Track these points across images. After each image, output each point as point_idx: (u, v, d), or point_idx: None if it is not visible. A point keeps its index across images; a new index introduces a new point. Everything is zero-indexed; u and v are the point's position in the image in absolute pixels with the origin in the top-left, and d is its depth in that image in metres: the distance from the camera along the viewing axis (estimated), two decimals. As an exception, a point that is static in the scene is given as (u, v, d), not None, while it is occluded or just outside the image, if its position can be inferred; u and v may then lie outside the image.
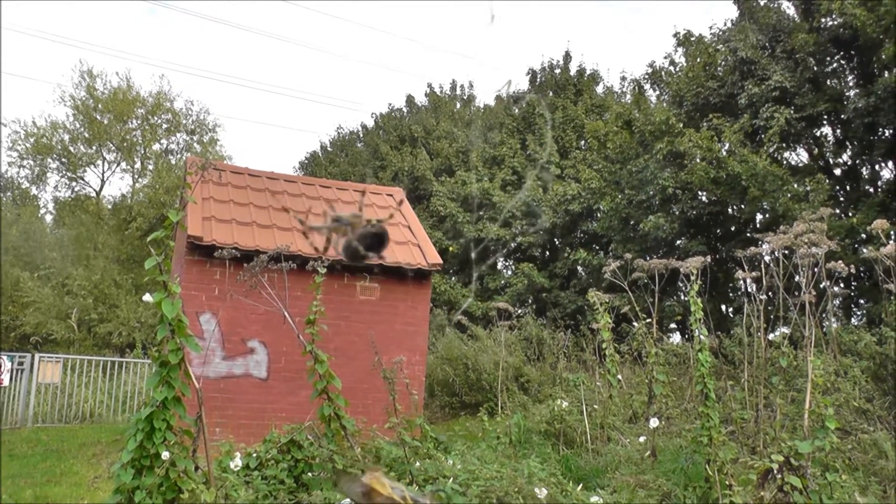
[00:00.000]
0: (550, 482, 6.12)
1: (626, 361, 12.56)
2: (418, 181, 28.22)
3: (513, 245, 24.18)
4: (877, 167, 16.53)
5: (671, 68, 20.57)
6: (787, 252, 9.04)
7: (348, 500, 5.57)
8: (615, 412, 9.74)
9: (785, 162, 17.34)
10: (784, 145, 17.01)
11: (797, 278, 8.91)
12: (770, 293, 10.02)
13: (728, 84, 17.49)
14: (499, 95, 31.88)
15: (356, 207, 10.57)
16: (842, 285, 13.76)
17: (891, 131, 15.43)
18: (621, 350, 11.69)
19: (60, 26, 68.86)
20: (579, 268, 21.97)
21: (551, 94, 28.07)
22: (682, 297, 17.11)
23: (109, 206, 32.54)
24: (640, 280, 10.88)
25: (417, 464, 6.67)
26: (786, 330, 9.03)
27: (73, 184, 32.23)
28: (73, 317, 25.78)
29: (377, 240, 2.22)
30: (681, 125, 16.95)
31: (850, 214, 15.47)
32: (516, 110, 28.79)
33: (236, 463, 6.53)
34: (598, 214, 21.44)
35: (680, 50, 20.29)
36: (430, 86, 35.13)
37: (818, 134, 17.47)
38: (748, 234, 15.83)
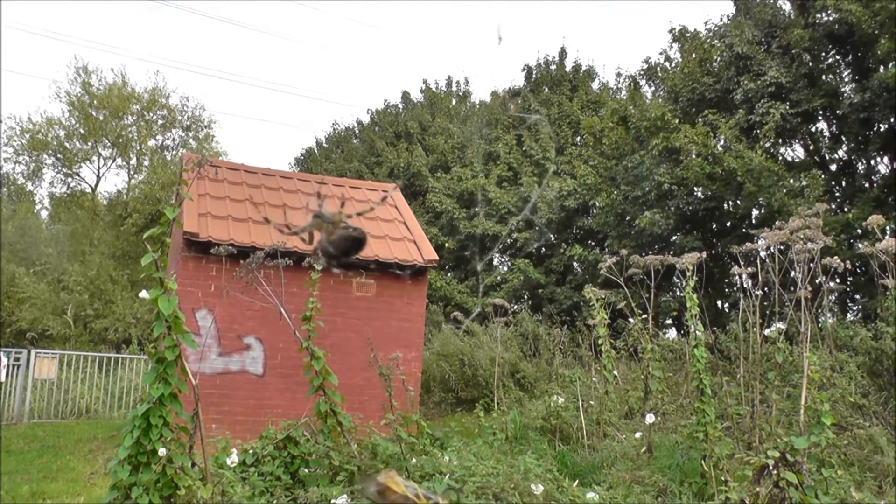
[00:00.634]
0: (546, 478, 6.13)
1: (622, 357, 12.58)
2: (414, 177, 28.20)
3: (509, 241, 24.21)
4: (872, 162, 16.55)
5: (666, 64, 20.55)
6: (782, 248, 9.05)
7: (345, 495, 5.58)
8: (611, 408, 9.76)
9: (780, 157, 17.34)
10: (780, 141, 17.00)
11: (793, 274, 8.92)
12: (766, 289, 10.04)
13: (723, 80, 17.49)
14: (495, 91, 31.85)
15: (350, 203, 10.55)
16: (837, 281, 13.78)
17: (886, 126, 15.45)
18: (617, 346, 11.70)
19: (56, 22, 68.68)
20: (575, 264, 21.98)
21: (547, 89, 28.07)
22: (678, 293, 17.13)
23: (105, 202, 32.52)
24: (636, 276, 10.89)
25: (414, 460, 6.67)
26: (781, 325, 9.02)
27: (69, 180, 32.21)
28: (69, 312, 25.75)
29: (355, 244, 2.25)
30: (676, 121, 16.95)
31: (846, 210, 15.48)
32: (512, 107, 28.77)
33: (233, 459, 6.53)
34: (594, 210, 21.45)
35: (675, 45, 20.28)
36: (425, 82, 35.01)
37: (814, 129, 17.48)
38: (744, 230, 15.84)
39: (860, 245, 12.47)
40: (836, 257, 8.80)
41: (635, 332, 10.55)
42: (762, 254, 9.87)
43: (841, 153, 17.35)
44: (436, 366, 16.20)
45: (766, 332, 9.68)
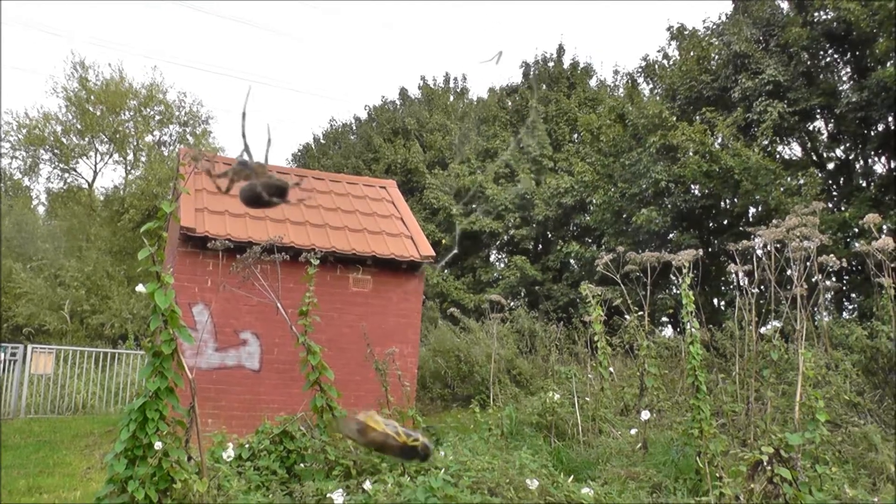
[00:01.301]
0: (542, 474, 6.14)
1: (618, 354, 12.59)
2: (411, 173, 28.21)
3: (506, 237, 24.24)
4: (870, 161, 16.60)
5: (664, 62, 20.59)
6: (779, 246, 9.07)
7: (340, 490, 5.59)
8: (607, 404, 9.77)
9: (778, 156, 17.39)
10: (777, 139, 17.04)
11: (789, 272, 8.94)
12: (762, 286, 10.07)
13: (721, 78, 17.52)
14: (491, 89, 31.84)
15: (347, 199, 10.55)
16: (833, 279, 13.82)
17: (884, 126, 15.49)
18: (613, 343, 11.71)
19: (53, 17, 68.50)
20: (572, 261, 22.01)
21: (544, 87, 28.08)
22: (674, 291, 17.17)
23: (102, 198, 32.50)
24: (633, 273, 10.91)
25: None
26: (777, 323, 9.05)
27: (66, 175, 32.19)
28: (65, 308, 25.73)
29: (279, 191, 2.34)
30: (674, 119, 16.98)
31: (843, 208, 15.53)
32: (509, 103, 28.79)
33: (229, 454, 6.54)
34: (591, 207, 21.48)
35: (673, 43, 20.32)
36: (423, 78, 35.00)
37: (811, 128, 17.53)
38: (740, 228, 15.88)
39: (856, 243, 12.49)
40: (832, 256, 8.82)
41: (631, 329, 10.56)
42: (758, 252, 9.88)
43: (838, 152, 17.40)
44: (432, 362, 16.21)
45: (762, 329, 9.71)
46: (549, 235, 24.78)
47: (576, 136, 25.70)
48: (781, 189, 15.14)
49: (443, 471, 5.74)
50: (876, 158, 16.50)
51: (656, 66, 20.83)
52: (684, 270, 7.77)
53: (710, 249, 16.90)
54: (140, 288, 5.18)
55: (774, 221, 9.19)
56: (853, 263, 14.72)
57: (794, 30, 15.84)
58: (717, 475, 6.15)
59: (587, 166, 20.58)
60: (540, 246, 25.38)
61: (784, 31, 16.32)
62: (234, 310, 10.12)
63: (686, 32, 19.79)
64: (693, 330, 7.27)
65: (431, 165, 28.16)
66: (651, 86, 21.40)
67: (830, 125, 17.16)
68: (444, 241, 24.09)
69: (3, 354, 15.87)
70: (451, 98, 34.51)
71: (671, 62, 20.29)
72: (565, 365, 12.31)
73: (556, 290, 21.67)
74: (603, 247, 18.93)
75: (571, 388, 9.73)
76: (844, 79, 16.66)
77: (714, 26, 18.96)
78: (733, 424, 8.50)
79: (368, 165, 29.94)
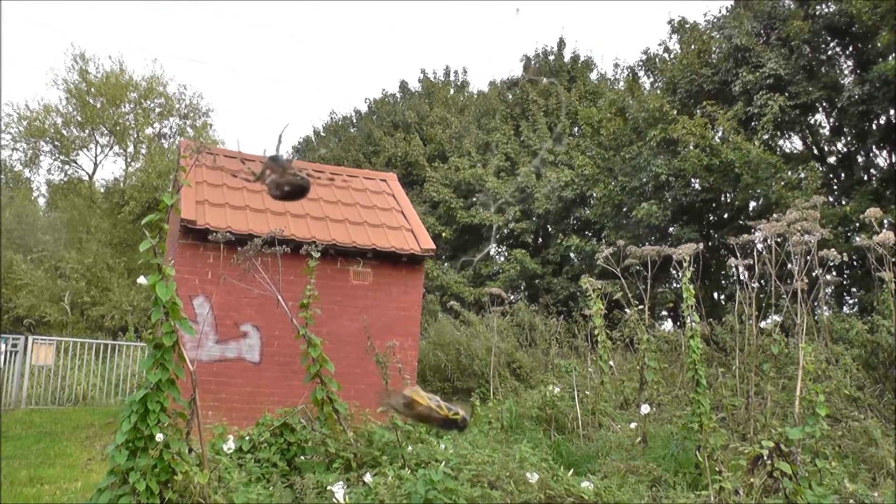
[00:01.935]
0: (542, 467, 6.16)
1: (618, 348, 12.60)
2: (411, 167, 28.20)
3: (506, 231, 24.23)
4: (871, 155, 16.58)
5: (665, 55, 20.57)
6: (779, 240, 9.06)
7: (341, 482, 5.60)
8: (606, 398, 9.79)
9: (778, 149, 17.37)
10: (778, 133, 17.03)
11: (789, 266, 8.94)
12: (762, 281, 10.07)
13: (722, 71, 17.50)
14: (493, 81, 31.78)
15: (347, 192, 10.56)
16: (834, 273, 13.82)
17: (885, 119, 15.46)
18: (613, 336, 11.72)
19: (53, 8, 68.36)
20: (572, 254, 22.01)
21: (545, 80, 28.03)
22: (674, 285, 17.17)
23: (102, 190, 32.50)
24: (633, 267, 10.90)
25: (409, 448, 6.70)
26: (777, 317, 9.06)
27: (66, 167, 32.19)
28: (66, 300, 25.76)
29: (300, 190, 2.56)
30: (674, 112, 16.97)
31: (844, 202, 15.52)
32: (510, 96, 28.75)
33: (229, 446, 6.55)
34: (591, 201, 21.47)
35: (674, 37, 20.30)
36: (423, 71, 34.97)
37: (812, 121, 17.51)
38: (741, 222, 15.87)
39: (857, 238, 12.48)
40: (832, 250, 8.82)
41: (631, 323, 10.56)
42: (759, 246, 9.87)
43: (839, 145, 17.38)
44: (432, 355, 16.22)
45: (762, 324, 9.71)
46: (550, 229, 24.77)
47: (576, 129, 25.67)
48: (782, 183, 15.13)
49: (443, 464, 5.74)
50: (877, 152, 16.49)
51: (657, 60, 20.81)
52: (685, 264, 7.77)
53: (710, 243, 16.88)
54: (141, 280, 5.18)
55: (775, 215, 9.19)
56: (854, 258, 14.72)
57: (795, 23, 15.81)
58: (717, 469, 6.16)
59: (587, 160, 20.56)
60: (540, 239, 25.38)
61: (785, 25, 16.29)
62: (234, 302, 10.13)
63: (687, 26, 19.76)
64: (693, 324, 7.27)
65: (432, 158, 28.15)
66: (652, 79, 21.39)
67: (831, 119, 17.14)
68: (444, 234, 24.09)
69: (3, 345, 15.88)
70: (452, 91, 34.49)
71: (672, 56, 20.27)
72: (565, 359, 12.32)
73: (556, 283, 21.67)
74: (603, 240, 18.94)
75: (571, 382, 9.74)
76: (846, 72, 16.63)
77: (715, 20, 18.94)
78: (733, 419, 8.50)
79: (369, 158, 29.93)
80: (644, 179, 17.31)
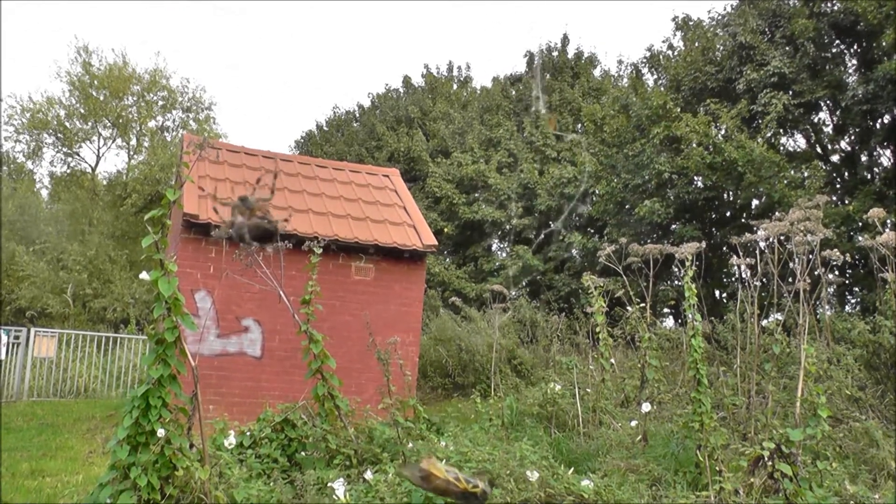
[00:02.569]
0: (542, 465, 6.16)
1: (619, 345, 12.60)
2: (414, 162, 28.19)
3: (508, 227, 24.22)
4: (875, 154, 16.54)
5: (669, 52, 20.54)
6: (782, 239, 9.05)
7: (341, 479, 5.61)
8: (607, 396, 9.78)
9: (782, 148, 17.35)
10: (781, 131, 17.00)
11: (792, 265, 8.92)
12: (764, 279, 10.06)
13: (726, 69, 17.46)
14: (496, 77, 31.72)
15: (350, 187, 10.52)
16: (836, 273, 13.81)
17: (890, 118, 15.42)
18: (614, 334, 11.71)
19: (55, 5, 68.28)
20: (574, 251, 22.00)
21: (548, 76, 28.02)
22: (676, 283, 17.16)
23: (105, 182, 32.54)
24: (635, 264, 10.90)
25: (410, 444, 6.70)
26: (779, 317, 9.04)
27: (69, 159, 32.19)
28: (68, 292, 25.80)
29: (266, 234, 2.42)
30: (678, 110, 16.93)
31: (847, 202, 15.49)
32: (513, 92, 28.73)
33: (230, 441, 6.56)
34: (594, 198, 21.45)
35: (678, 34, 20.27)
36: (426, 67, 34.98)
37: (816, 120, 17.47)
38: (743, 221, 15.85)
39: (860, 238, 12.46)
40: (835, 250, 8.80)
41: (633, 321, 10.56)
42: (761, 244, 9.86)
43: (843, 144, 17.33)
44: (433, 351, 16.23)
45: (764, 323, 9.70)
46: (551, 225, 24.76)
47: (579, 126, 25.65)
48: (785, 182, 15.10)
49: (444, 461, 5.75)
50: (881, 151, 16.45)
51: (661, 57, 20.78)
52: (687, 262, 7.76)
53: (712, 242, 16.86)
54: (144, 275, 5.19)
55: (778, 214, 9.18)
56: (857, 258, 14.70)
57: (800, 21, 15.77)
58: (717, 469, 6.16)
59: (590, 156, 20.54)
60: (542, 236, 25.38)
61: (790, 23, 16.25)
62: (236, 297, 10.14)
63: (691, 23, 19.73)
64: (695, 322, 7.26)
65: (434, 154, 28.14)
66: (655, 76, 21.37)
67: (835, 117, 17.11)
68: (446, 230, 24.08)
69: (4, 337, 15.91)
70: (455, 87, 34.47)
71: (676, 53, 20.24)
72: (566, 356, 12.32)
73: (557, 280, 21.67)
74: (605, 238, 18.92)
75: (572, 379, 9.74)
76: (850, 71, 16.59)
77: (719, 17, 18.90)
78: (734, 418, 8.50)
79: (371, 153, 29.92)
80: (646, 177, 17.28)
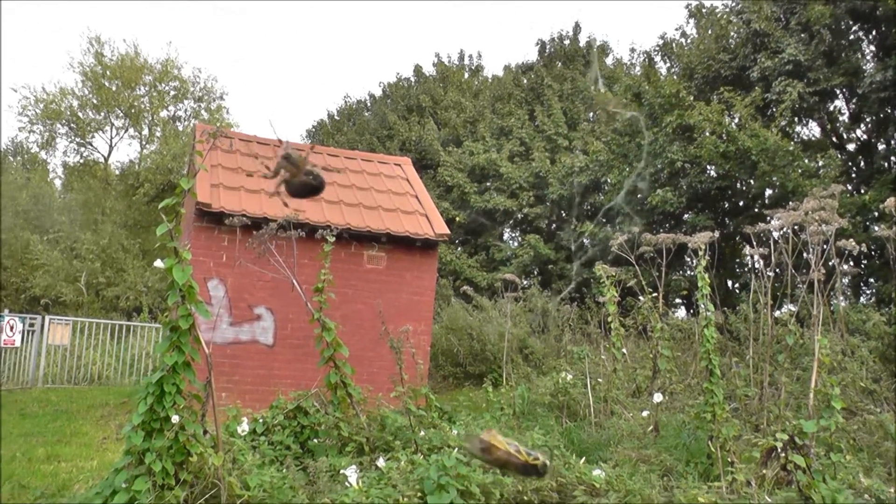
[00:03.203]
0: (553, 454, 6.16)
1: (631, 335, 12.57)
2: (426, 151, 28.17)
3: (520, 216, 24.18)
4: (892, 143, 16.38)
5: (682, 40, 20.41)
6: (796, 228, 8.99)
7: (354, 466, 5.63)
8: (619, 386, 9.76)
9: (796, 137, 17.22)
10: (796, 120, 16.87)
11: (806, 256, 8.87)
12: (778, 270, 10.00)
13: (740, 57, 17.33)
14: (507, 66, 31.57)
15: (362, 176, 10.53)
16: (851, 264, 13.72)
17: (907, 107, 15.28)
18: (626, 324, 11.68)
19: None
20: (585, 240, 21.95)
21: (560, 65, 27.92)
22: (688, 272, 17.11)
23: (117, 172, 32.72)
24: (647, 254, 10.86)
25: (422, 433, 6.71)
26: (793, 307, 8.99)
27: (82, 149, 32.38)
28: (81, 280, 25.97)
29: (312, 190, 2.57)
30: (691, 98, 16.83)
31: (863, 191, 15.36)
32: (525, 81, 28.62)
33: (243, 428, 6.60)
34: (606, 187, 21.38)
35: (692, 22, 20.13)
36: (437, 55, 34.90)
37: (832, 108, 17.32)
38: (756, 210, 15.76)
39: (876, 227, 12.38)
40: (850, 240, 8.73)
41: (645, 311, 10.53)
42: (775, 234, 9.80)
43: (859, 133, 17.18)
44: (444, 340, 16.24)
45: (777, 314, 9.65)
46: (563, 214, 24.71)
47: (591, 114, 25.56)
48: (799, 171, 14.98)
49: (456, 449, 5.76)
50: (898, 140, 16.30)
51: (674, 45, 20.66)
52: (700, 252, 7.73)
53: (724, 231, 16.78)
54: (158, 263, 5.21)
55: (792, 204, 9.11)
56: (872, 248, 14.60)
57: (816, 7, 15.58)
58: (729, 460, 6.14)
59: (602, 145, 20.47)
60: (553, 225, 25.33)
61: (806, 9, 16.07)
62: (248, 285, 10.17)
63: (705, 10, 19.59)
64: (707, 313, 7.23)
65: (446, 143, 28.10)
66: (668, 65, 21.24)
67: (851, 106, 16.95)
68: (458, 219, 24.07)
69: (21, 324, 16.04)
70: (466, 75, 34.39)
71: (689, 41, 20.11)
72: (578, 345, 12.30)
73: (569, 269, 21.64)
74: (617, 227, 18.87)
75: (584, 369, 9.73)
76: (868, 58, 16.41)
77: (733, 4, 18.74)
78: (746, 409, 8.47)
79: (383, 143, 29.92)
80: (659, 166, 17.21)
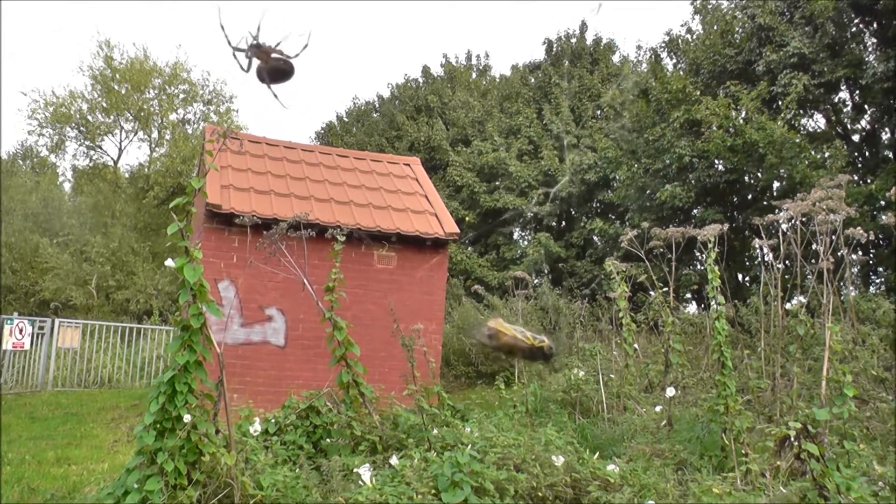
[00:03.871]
0: (567, 450, 6.15)
1: (643, 331, 12.55)
2: (434, 151, 28.18)
3: (530, 214, 24.15)
4: (896, 132, 16.33)
5: (688, 36, 20.37)
6: (804, 219, 8.97)
7: (367, 465, 5.63)
8: (631, 381, 9.75)
9: (802, 129, 17.16)
10: (802, 112, 16.82)
11: (814, 246, 8.84)
12: (787, 261, 9.97)
13: (745, 51, 17.30)
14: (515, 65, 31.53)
15: (371, 176, 10.55)
16: (860, 252, 13.66)
17: (911, 96, 15.22)
18: (637, 319, 11.66)
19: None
20: (595, 237, 21.92)
21: (567, 63, 27.89)
22: (699, 266, 17.07)
23: (127, 175, 32.83)
24: (657, 249, 10.84)
25: (435, 431, 6.71)
26: (803, 298, 8.97)
27: (92, 152, 32.53)
28: (91, 283, 26.07)
29: (284, 74, 2.76)
30: (697, 93, 16.81)
31: (869, 181, 15.31)
32: (532, 80, 28.60)
33: (256, 428, 6.61)
34: (615, 183, 21.35)
35: (697, 17, 20.09)
36: (445, 56, 34.88)
37: (836, 100, 17.27)
38: (765, 202, 15.73)
39: (883, 216, 12.32)
40: (858, 229, 8.70)
41: (656, 306, 10.51)
42: (784, 226, 9.77)
43: (864, 123, 17.13)
44: (456, 339, 16.24)
45: (788, 304, 9.63)
46: (573, 212, 24.68)
47: (599, 111, 25.51)
48: (806, 162, 14.94)
49: (469, 447, 5.76)
50: (902, 129, 16.23)
51: (680, 41, 20.61)
52: (709, 245, 7.71)
53: (734, 224, 16.73)
54: (169, 262, 5.22)
55: (800, 195, 9.08)
56: (880, 236, 14.54)
57: (819, 1, 15.56)
58: (743, 452, 6.14)
59: (610, 142, 20.43)
60: (563, 223, 25.30)
61: (809, 3, 16.04)
62: (259, 286, 10.20)
63: (710, 6, 19.55)
64: (718, 306, 7.22)
65: (454, 143, 28.10)
66: (674, 61, 21.18)
67: (855, 96, 16.91)
68: (467, 218, 24.06)
69: (31, 327, 16.12)
70: (474, 75, 34.37)
71: (695, 36, 20.06)
72: (589, 342, 12.29)
73: (580, 266, 21.61)
74: (627, 223, 18.83)
75: (596, 365, 9.73)
76: (871, 49, 16.38)
77: (738, 0, 18.71)
78: (759, 401, 8.45)
79: (392, 143, 29.92)
80: (667, 161, 17.17)
